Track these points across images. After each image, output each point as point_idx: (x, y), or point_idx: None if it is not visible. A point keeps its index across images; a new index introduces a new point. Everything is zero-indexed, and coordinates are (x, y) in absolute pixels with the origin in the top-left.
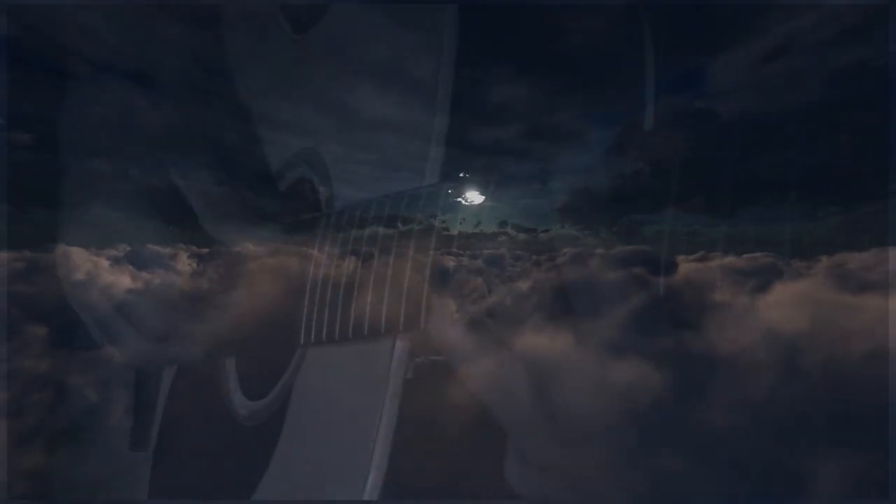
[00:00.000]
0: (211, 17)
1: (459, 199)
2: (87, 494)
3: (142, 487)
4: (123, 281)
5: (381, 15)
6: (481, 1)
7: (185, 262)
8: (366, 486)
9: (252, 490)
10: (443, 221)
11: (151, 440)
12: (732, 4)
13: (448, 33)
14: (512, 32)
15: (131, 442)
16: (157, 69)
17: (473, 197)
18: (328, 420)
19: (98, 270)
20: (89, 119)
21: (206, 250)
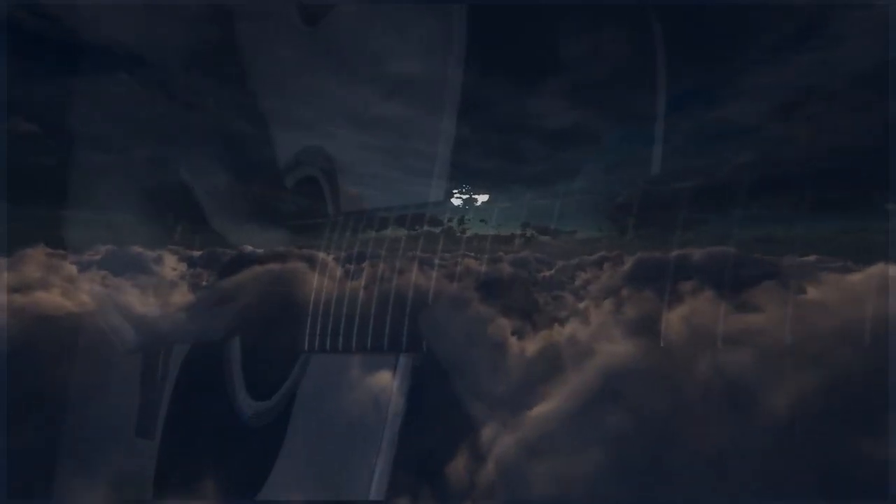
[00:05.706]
0: (217, 13)
1: (486, 201)
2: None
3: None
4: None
5: (397, 16)
6: (503, 2)
7: (181, 263)
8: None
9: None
10: (463, 222)
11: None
12: (787, 4)
13: (466, 35)
14: (534, 33)
15: (137, 433)
16: (162, 64)
17: (496, 199)
18: (334, 421)
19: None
20: (89, 113)
21: (199, 252)
